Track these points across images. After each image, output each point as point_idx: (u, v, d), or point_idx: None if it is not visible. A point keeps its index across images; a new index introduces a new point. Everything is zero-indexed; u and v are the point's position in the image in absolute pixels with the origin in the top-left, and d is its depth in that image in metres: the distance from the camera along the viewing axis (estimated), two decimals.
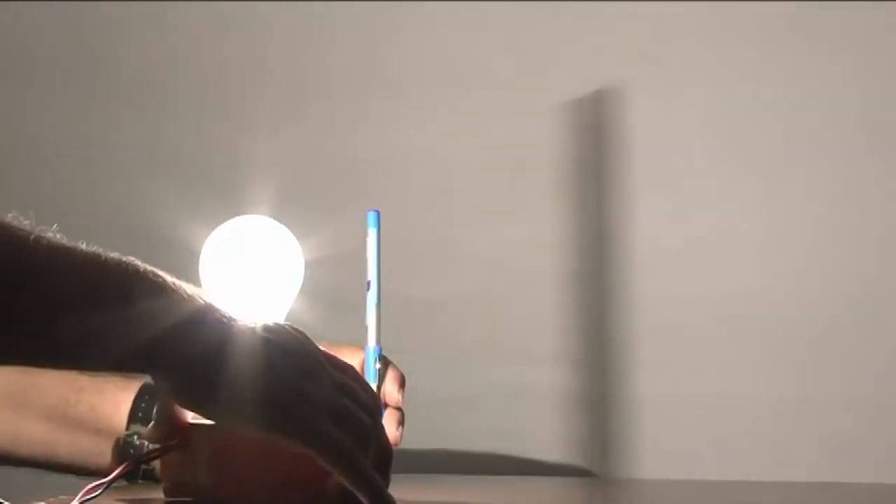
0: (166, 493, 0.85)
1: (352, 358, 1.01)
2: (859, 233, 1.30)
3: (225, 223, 0.94)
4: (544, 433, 1.34)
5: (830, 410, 1.28)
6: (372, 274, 0.99)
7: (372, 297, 0.99)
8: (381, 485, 0.76)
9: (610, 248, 1.34)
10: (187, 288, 0.74)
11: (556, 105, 1.36)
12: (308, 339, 0.79)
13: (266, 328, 0.76)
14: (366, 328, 1.00)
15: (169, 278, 0.73)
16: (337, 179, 1.40)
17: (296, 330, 0.79)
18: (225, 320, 0.74)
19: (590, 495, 1.18)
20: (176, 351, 0.71)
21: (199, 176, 1.43)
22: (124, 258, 0.72)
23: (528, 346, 1.36)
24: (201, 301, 0.74)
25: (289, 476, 0.79)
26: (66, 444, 1.03)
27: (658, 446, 1.32)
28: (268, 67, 1.44)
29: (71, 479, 1.01)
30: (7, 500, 0.84)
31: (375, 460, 0.77)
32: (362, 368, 1.00)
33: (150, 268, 0.73)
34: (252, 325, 0.75)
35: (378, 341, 1.00)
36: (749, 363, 1.31)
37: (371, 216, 0.99)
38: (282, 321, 0.80)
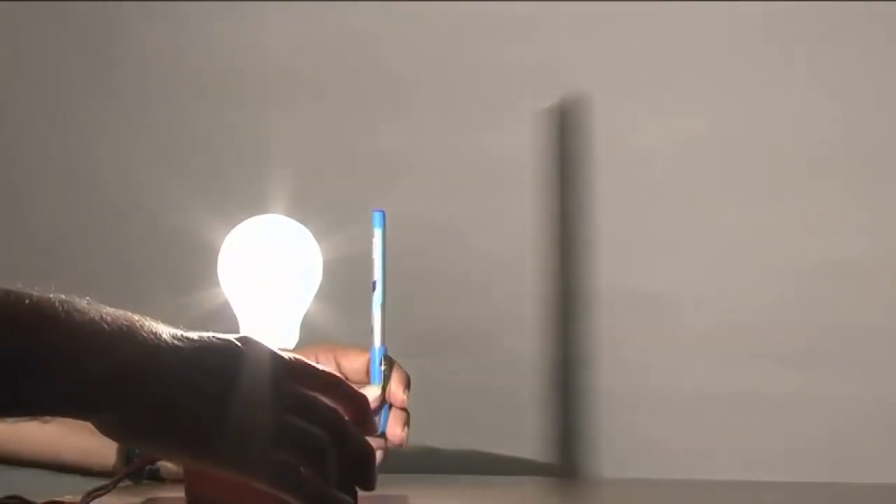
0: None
1: (359, 359, 1.01)
2: (821, 228, 1.30)
3: (244, 221, 0.94)
4: (514, 432, 1.35)
5: (799, 407, 1.29)
6: (377, 274, 0.99)
7: (377, 297, 0.99)
8: (330, 496, 0.72)
9: (578, 248, 1.35)
10: (104, 311, 0.69)
11: (535, 112, 1.36)
12: (260, 351, 0.74)
13: (205, 349, 0.71)
14: (371, 329, 1.00)
15: (91, 307, 0.69)
16: (348, 180, 1.40)
17: (245, 342, 0.73)
18: (152, 346, 0.69)
19: (559, 496, 1.18)
20: (113, 394, 0.67)
21: (218, 174, 1.43)
22: (44, 295, 0.68)
23: (501, 344, 1.36)
24: (118, 325, 0.69)
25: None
26: (71, 445, 1.03)
27: (628, 445, 1.33)
28: (284, 71, 1.44)
29: (77, 479, 1.01)
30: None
31: (350, 465, 0.74)
32: (368, 369, 1.00)
33: (65, 299, 0.68)
34: (185, 348, 0.70)
35: (383, 342, 0.99)
36: (718, 362, 1.31)
37: (377, 216, 0.99)
38: (244, 333, 0.76)
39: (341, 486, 0.73)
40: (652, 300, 1.33)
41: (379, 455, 0.98)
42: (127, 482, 0.95)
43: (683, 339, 1.32)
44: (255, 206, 0.97)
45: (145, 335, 0.69)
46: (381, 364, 0.99)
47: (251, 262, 0.92)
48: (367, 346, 1.00)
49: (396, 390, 0.99)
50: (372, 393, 0.99)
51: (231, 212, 0.95)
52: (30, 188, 1.50)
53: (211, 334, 0.72)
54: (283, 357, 0.74)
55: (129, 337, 0.68)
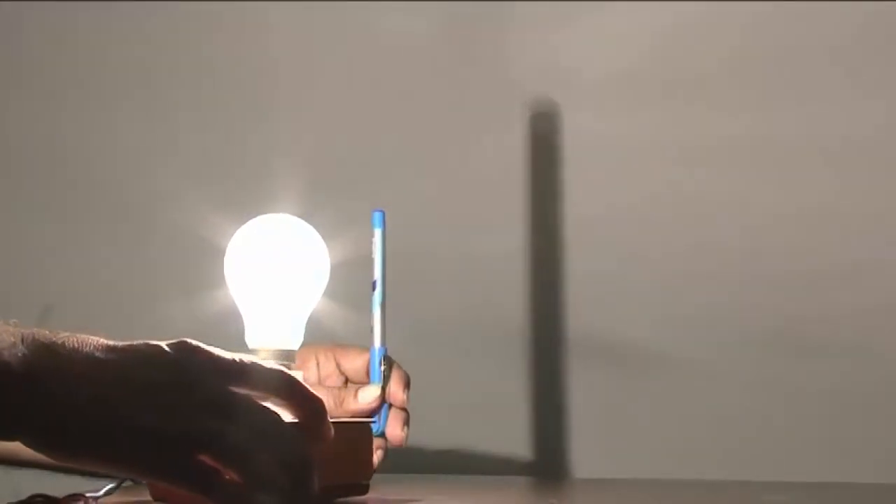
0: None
1: (358, 359, 1.02)
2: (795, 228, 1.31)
3: (250, 221, 0.93)
4: (510, 432, 1.35)
5: (786, 406, 1.30)
6: (377, 274, 0.99)
7: (377, 297, 0.99)
8: (246, 501, 0.69)
9: (562, 255, 1.36)
10: (26, 332, 0.69)
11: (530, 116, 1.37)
12: (193, 355, 0.72)
13: (130, 358, 0.70)
14: (371, 329, 1.00)
15: (14, 329, 0.69)
16: (349, 180, 1.41)
17: (179, 347, 0.72)
18: (67, 362, 0.69)
19: (559, 495, 1.19)
20: (26, 414, 0.67)
21: (225, 173, 1.43)
22: None
23: (500, 344, 1.36)
24: (37, 344, 0.69)
25: None
26: None
27: (625, 444, 1.33)
28: (288, 72, 1.45)
29: (77, 479, 1.01)
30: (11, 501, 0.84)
31: (284, 469, 0.71)
32: (368, 369, 1.01)
33: None
34: (108, 360, 0.70)
35: (383, 342, 1.00)
36: (702, 362, 1.32)
37: (376, 216, 0.99)
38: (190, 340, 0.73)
39: (273, 489, 0.70)
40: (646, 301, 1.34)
41: (379, 455, 0.99)
42: (128, 482, 0.95)
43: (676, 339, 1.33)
44: (261, 205, 0.97)
45: (66, 351, 0.69)
46: (380, 364, 1.00)
47: (257, 262, 0.92)
48: (367, 346, 1.00)
49: (396, 390, 1.00)
50: (372, 393, 0.99)
51: (238, 211, 0.95)
52: (37, 190, 1.50)
53: (143, 342, 0.71)
54: (221, 359, 0.72)
55: (45, 356, 0.68)
